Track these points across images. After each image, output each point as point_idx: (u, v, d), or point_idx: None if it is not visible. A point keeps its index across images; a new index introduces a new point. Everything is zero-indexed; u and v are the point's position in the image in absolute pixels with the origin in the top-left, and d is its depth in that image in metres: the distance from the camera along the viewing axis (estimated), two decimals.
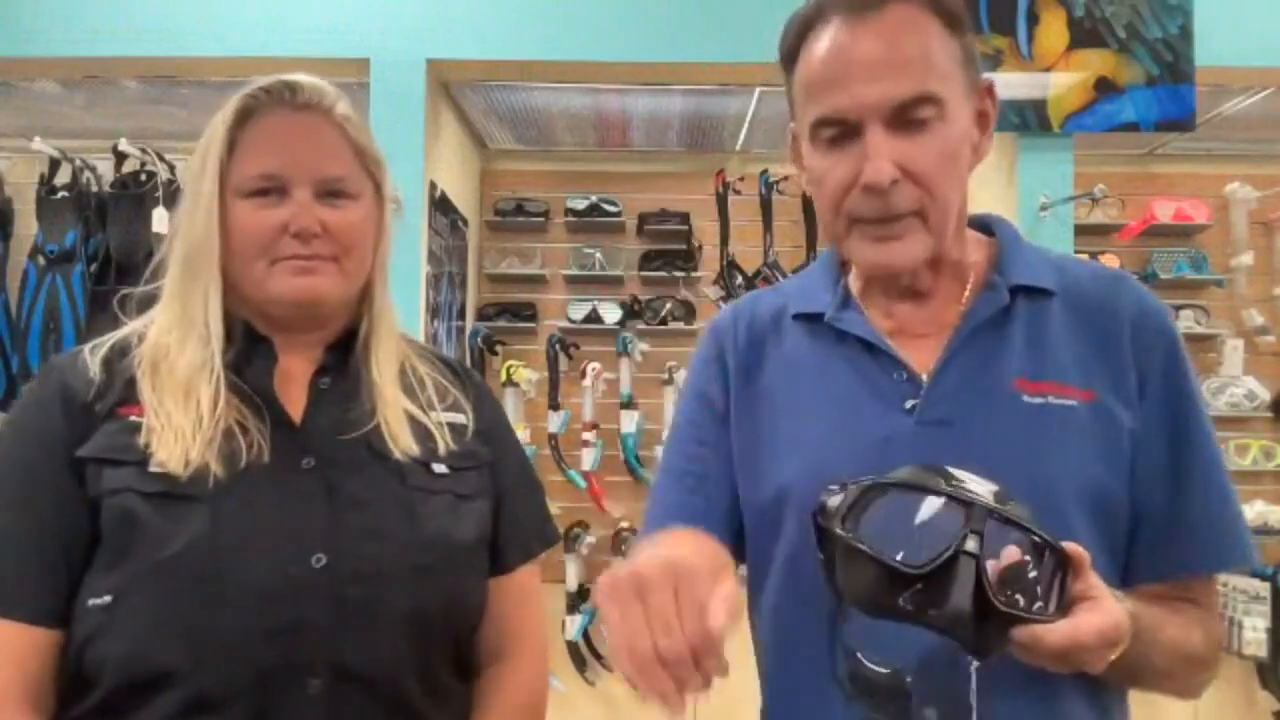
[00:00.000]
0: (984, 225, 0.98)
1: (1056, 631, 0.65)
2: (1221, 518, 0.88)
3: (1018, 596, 0.66)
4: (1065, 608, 0.67)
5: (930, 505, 0.67)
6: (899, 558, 0.65)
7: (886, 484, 0.69)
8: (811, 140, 0.87)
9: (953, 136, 0.84)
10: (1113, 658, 0.70)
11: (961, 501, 0.66)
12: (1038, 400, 0.86)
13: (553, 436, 3.25)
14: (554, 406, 3.27)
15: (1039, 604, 0.66)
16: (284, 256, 0.95)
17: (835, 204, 0.86)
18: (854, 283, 0.97)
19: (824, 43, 0.84)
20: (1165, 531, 0.87)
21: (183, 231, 0.98)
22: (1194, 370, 0.91)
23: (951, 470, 0.69)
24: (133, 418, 0.92)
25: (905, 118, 0.82)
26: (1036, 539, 0.67)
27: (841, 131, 0.83)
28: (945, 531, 0.65)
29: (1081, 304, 0.90)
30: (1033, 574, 0.66)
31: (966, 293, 0.92)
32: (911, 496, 0.68)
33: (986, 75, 0.91)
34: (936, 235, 0.86)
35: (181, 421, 0.91)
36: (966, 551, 0.63)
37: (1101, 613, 0.68)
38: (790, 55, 0.88)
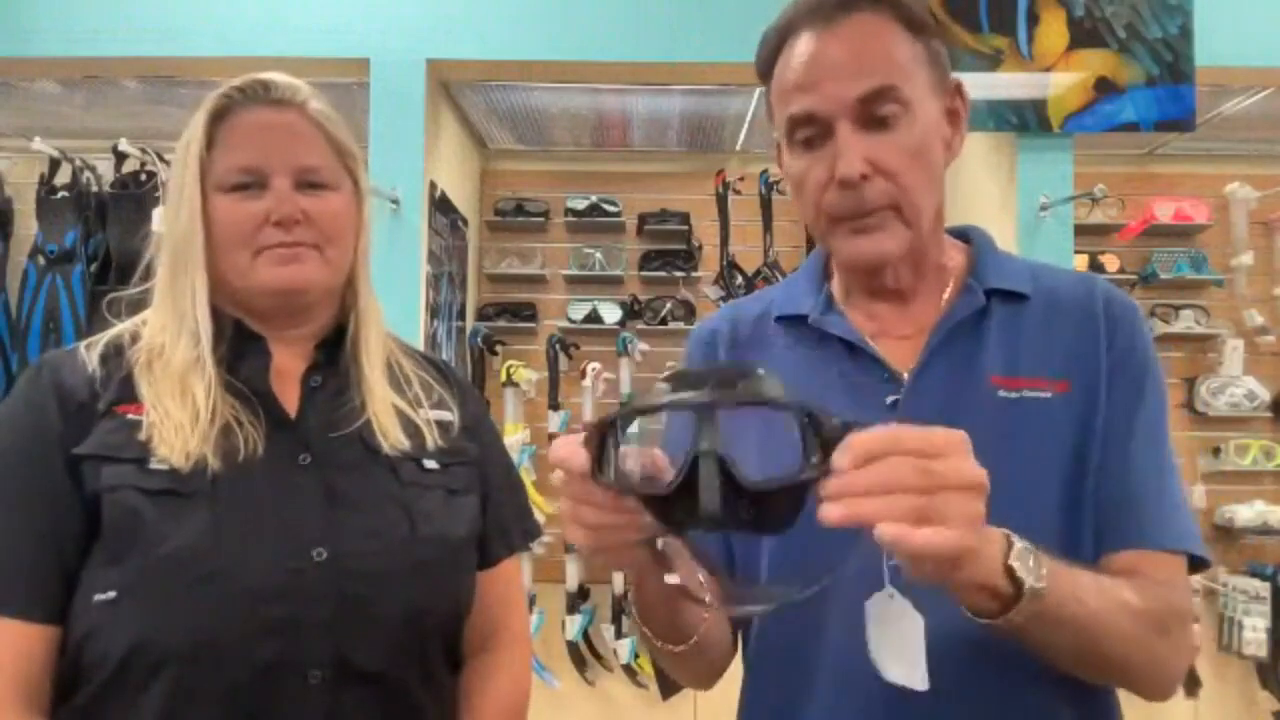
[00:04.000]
0: (961, 235, 1.02)
1: (864, 436, 0.63)
2: (1145, 497, 0.87)
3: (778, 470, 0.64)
4: (825, 465, 0.64)
5: (672, 420, 0.66)
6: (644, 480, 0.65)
7: (627, 410, 0.68)
8: (788, 144, 0.91)
9: (919, 133, 0.88)
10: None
11: (688, 406, 0.64)
12: (1013, 395, 0.89)
13: (553, 436, 3.25)
14: (554, 406, 3.27)
15: (804, 470, 0.64)
16: (267, 246, 0.97)
17: (815, 203, 0.90)
18: (837, 287, 1.00)
19: (795, 52, 0.89)
20: (1103, 507, 0.87)
21: (167, 231, 1.00)
22: (1159, 364, 0.93)
23: (723, 370, 0.67)
24: (131, 415, 0.93)
25: (872, 115, 0.86)
26: (777, 407, 0.65)
27: (815, 133, 0.88)
28: (684, 440, 0.64)
29: (1055, 304, 0.93)
30: (788, 442, 0.64)
31: (945, 295, 0.95)
32: (656, 415, 0.67)
33: (961, 75, 0.95)
34: (913, 228, 0.89)
35: (180, 416, 0.92)
36: (702, 453, 0.63)
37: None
38: (766, 69, 0.93)
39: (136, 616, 0.87)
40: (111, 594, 0.87)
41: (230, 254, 0.97)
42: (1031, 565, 0.72)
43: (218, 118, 0.98)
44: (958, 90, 0.94)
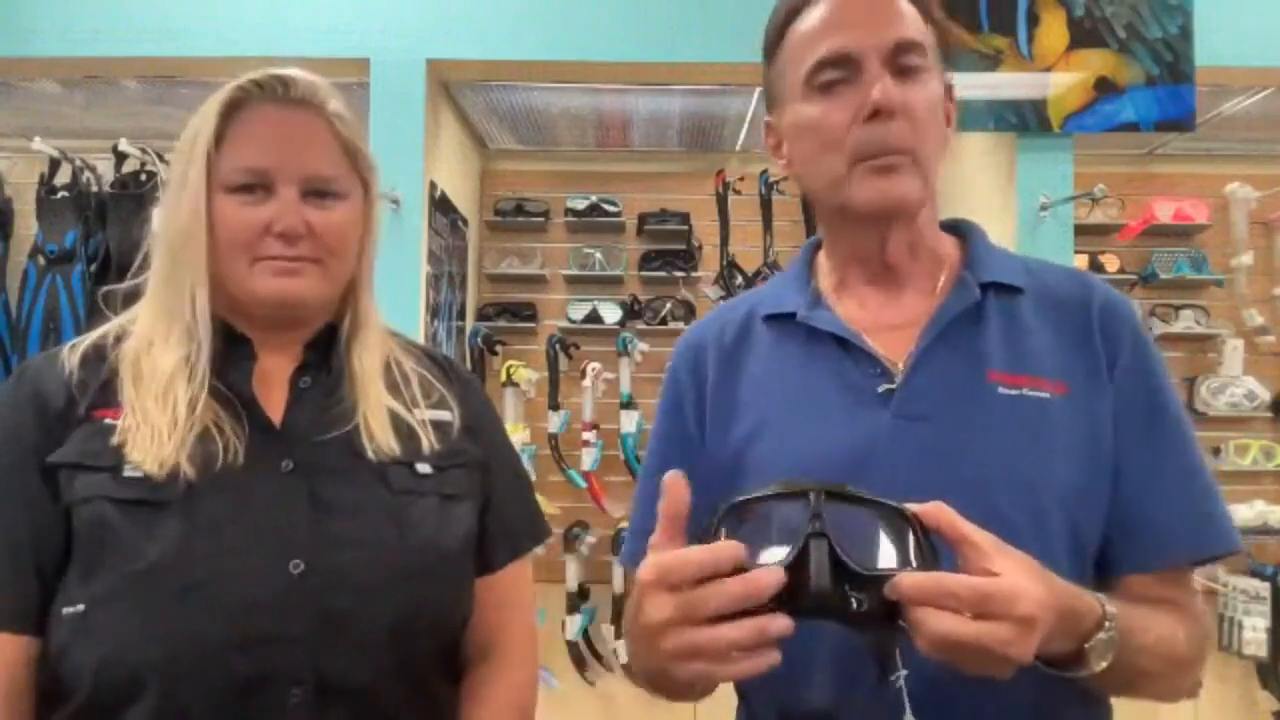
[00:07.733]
0: (952, 229, 1.01)
1: (913, 577, 0.64)
2: (1192, 504, 0.87)
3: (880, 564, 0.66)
4: (931, 565, 0.67)
5: (777, 510, 0.68)
6: (760, 561, 0.66)
7: (731, 505, 0.70)
8: (804, 93, 0.90)
9: (935, 95, 0.89)
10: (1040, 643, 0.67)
11: (797, 494, 0.67)
12: (1014, 392, 0.87)
13: (553, 436, 3.25)
14: (554, 406, 3.26)
15: (909, 567, 0.66)
16: (266, 256, 0.92)
17: (835, 144, 0.88)
18: (825, 281, 0.99)
19: (821, 5, 0.90)
20: (1137, 520, 0.87)
21: (167, 224, 0.95)
22: (1161, 359, 0.92)
23: (824, 484, 0.69)
24: (108, 420, 0.90)
25: (900, 63, 0.87)
26: (883, 509, 0.67)
27: (839, 76, 0.88)
28: (794, 527, 0.66)
29: (1050, 300, 0.92)
30: (893, 541, 0.67)
31: (939, 287, 0.94)
32: (761, 507, 0.69)
33: (961, 75, 0.97)
34: (925, 180, 0.89)
35: (159, 421, 0.88)
36: (815, 534, 0.65)
37: (1005, 575, 0.65)
38: (775, 40, 0.93)
39: (107, 632, 0.84)
40: (80, 607, 0.84)
41: (228, 258, 0.93)
42: (1104, 650, 0.72)
43: (230, 111, 0.93)
44: (949, 92, 0.94)
